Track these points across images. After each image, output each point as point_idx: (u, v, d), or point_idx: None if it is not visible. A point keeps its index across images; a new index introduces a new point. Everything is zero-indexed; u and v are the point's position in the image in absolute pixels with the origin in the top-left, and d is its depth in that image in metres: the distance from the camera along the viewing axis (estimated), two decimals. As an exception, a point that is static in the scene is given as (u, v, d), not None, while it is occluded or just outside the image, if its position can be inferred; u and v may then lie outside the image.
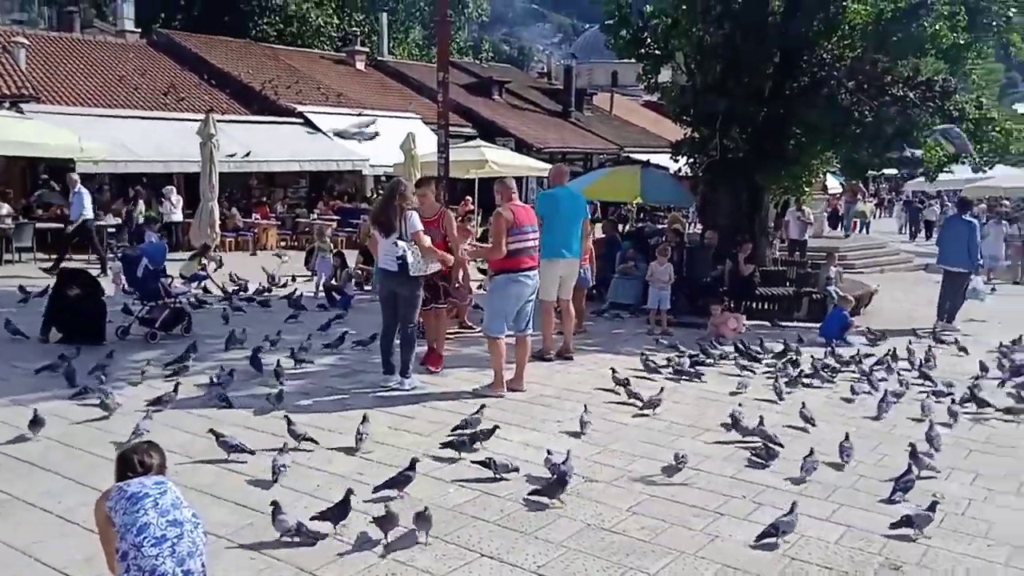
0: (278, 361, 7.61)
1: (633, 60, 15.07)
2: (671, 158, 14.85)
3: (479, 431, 5.79)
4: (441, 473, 5.30)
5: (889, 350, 9.36)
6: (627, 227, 19.99)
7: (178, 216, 18.36)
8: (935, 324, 11.62)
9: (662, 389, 7.26)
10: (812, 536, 4.54)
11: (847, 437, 5.89)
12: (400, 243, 7.01)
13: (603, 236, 13.92)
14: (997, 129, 12.20)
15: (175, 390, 6.57)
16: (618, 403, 7.12)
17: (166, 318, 9.01)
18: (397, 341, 7.38)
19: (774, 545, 4.39)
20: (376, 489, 4.82)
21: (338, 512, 4.35)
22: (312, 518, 4.31)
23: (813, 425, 6.54)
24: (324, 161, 22.32)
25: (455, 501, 4.86)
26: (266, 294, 12.09)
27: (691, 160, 13.49)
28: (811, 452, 5.60)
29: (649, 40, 13.87)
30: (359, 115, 25.22)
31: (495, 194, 7.69)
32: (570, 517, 4.71)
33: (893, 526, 4.59)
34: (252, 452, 5.36)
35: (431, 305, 7.95)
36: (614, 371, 7.60)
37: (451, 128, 15.10)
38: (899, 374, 8.44)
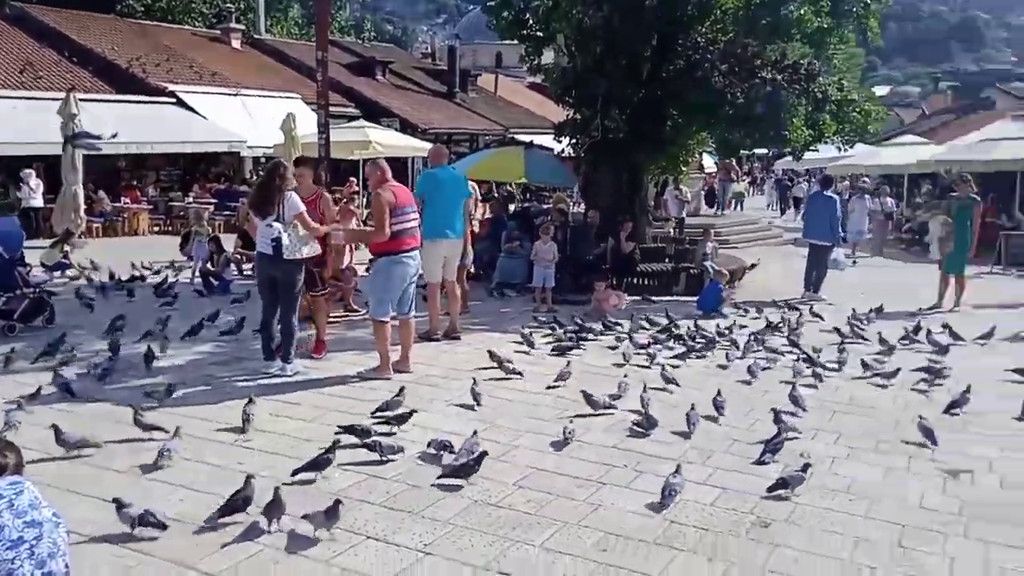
0: (148, 347, 7.33)
1: (516, 41, 15.14)
2: (554, 139, 15.04)
3: (394, 416, 5.78)
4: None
5: (764, 320, 9.82)
6: (514, 207, 20.13)
7: (38, 201, 17.31)
8: (802, 294, 12.27)
9: (569, 363, 7.49)
10: (690, 499, 4.72)
11: (719, 393, 6.38)
12: (275, 225, 6.82)
13: (490, 216, 13.97)
14: (857, 110, 12.94)
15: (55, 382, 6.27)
16: (501, 379, 7.19)
17: (25, 309, 8.48)
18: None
19: (663, 506, 4.59)
20: (295, 472, 4.79)
21: (243, 502, 4.25)
22: (221, 513, 4.22)
23: (677, 385, 7.00)
24: (199, 143, 21.43)
25: (340, 485, 4.80)
26: (138, 282, 11.56)
27: (573, 141, 13.70)
28: (692, 407, 6.00)
29: (530, 21, 13.95)
30: (235, 95, 24.32)
31: (368, 176, 7.54)
32: (457, 494, 4.73)
33: (770, 489, 4.82)
34: (99, 446, 5.17)
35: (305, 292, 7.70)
36: (491, 352, 7.61)
37: (333, 108, 14.81)
38: (766, 341, 8.82)
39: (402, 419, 5.76)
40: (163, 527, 4.07)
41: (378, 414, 5.91)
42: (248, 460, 5.14)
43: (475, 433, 5.36)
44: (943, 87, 55.49)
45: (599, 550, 4.11)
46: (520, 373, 7.23)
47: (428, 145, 23.15)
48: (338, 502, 4.18)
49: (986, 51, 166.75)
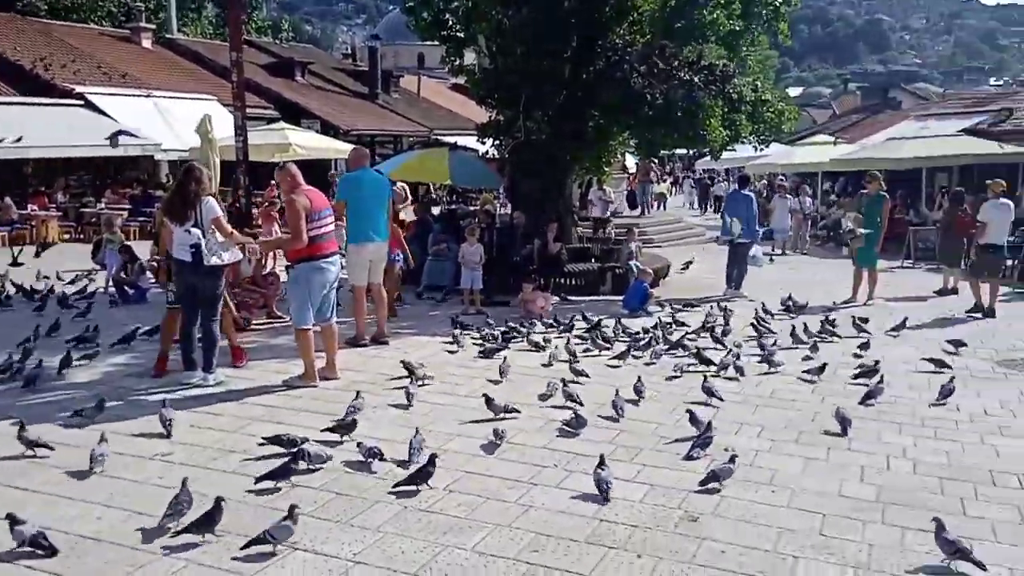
0: (67, 352, 7.19)
1: (437, 42, 15.07)
2: (478, 140, 15.04)
3: (340, 423, 5.69)
4: (250, 469, 5.07)
5: (688, 318, 10.00)
6: (438, 210, 20.05)
7: (-65, 209, 16.43)
8: (724, 291, 12.56)
9: (505, 358, 7.64)
10: (619, 497, 4.76)
11: (639, 379, 6.78)
12: (194, 231, 6.63)
13: (415, 219, 13.88)
14: (771, 110, 13.31)
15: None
16: (425, 385, 7.13)
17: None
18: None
19: (606, 500, 4.67)
20: (257, 480, 4.74)
21: (206, 521, 4.10)
22: (181, 531, 4.11)
23: (587, 377, 7.23)
24: (106, 146, 20.64)
25: (264, 498, 4.68)
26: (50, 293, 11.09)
27: (497, 142, 13.71)
28: (617, 392, 6.33)
29: (451, 22, 13.92)
30: (147, 96, 23.55)
31: (279, 183, 7.22)
32: (386, 501, 4.67)
33: (702, 483, 4.90)
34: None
35: None
36: (403, 362, 7.39)
37: (251, 110, 14.45)
38: (688, 339, 8.98)
39: (350, 428, 5.62)
40: (52, 553, 3.90)
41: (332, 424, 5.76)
42: (167, 474, 4.96)
43: (418, 431, 5.40)
44: (852, 88, 57.67)
45: (531, 551, 4.11)
46: (431, 377, 7.21)
47: (350, 147, 22.99)
48: (219, 500, 4.13)
49: (891, 53, 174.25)
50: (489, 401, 6.23)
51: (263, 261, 10.73)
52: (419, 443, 5.23)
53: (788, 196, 20.46)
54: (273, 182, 16.02)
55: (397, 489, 4.78)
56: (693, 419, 5.93)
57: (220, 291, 7.03)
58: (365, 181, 8.56)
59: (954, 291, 12.93)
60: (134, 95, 23.44)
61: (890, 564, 4.04)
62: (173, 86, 25.74)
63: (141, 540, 4.12)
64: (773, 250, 18.35)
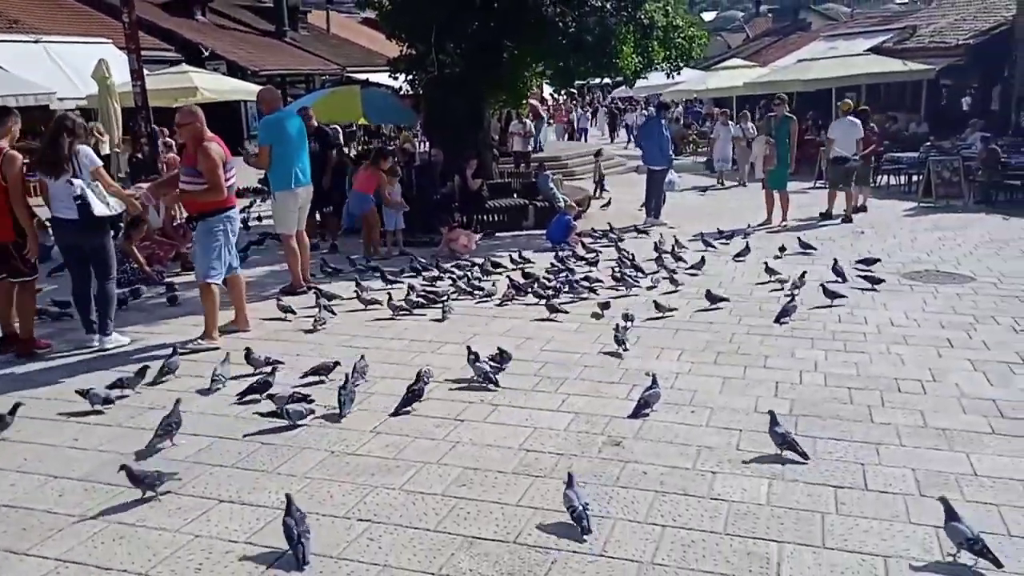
0: None
1: (342, -26, 14.50)
2: (390, 76, 14.64)
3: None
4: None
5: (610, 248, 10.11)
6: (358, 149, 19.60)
7: None
8: (644, 220, 12.71)
9: (447, 298, 7.73)
10: (544, 427, 4.85)
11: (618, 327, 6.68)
12: (76, 182, 6.25)
13: (334, 162, 13.52)
14: (682, 36, 13.30)
15: None
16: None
17: None
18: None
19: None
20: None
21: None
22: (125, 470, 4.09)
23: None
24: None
25: (187, 452, 4.60)
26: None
27: (410, 77, 13.39)
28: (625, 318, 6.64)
29: (356, -48, 13.37)
30: (36, 42, 22.13)
31: (181, 128, 6.60)
32: (313, 448, 4.64)
33: (632, 415, 5.00)
34: None
35: (3, 277, 6.57)
36: (278, 299, 7.62)
37: (149, 53, 13.74)
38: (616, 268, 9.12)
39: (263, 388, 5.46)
40: None
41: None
42: (83, 437, 4.83)
43: (362, 356, 5.73)
44: (764, 10, 58.08)
45: (459, 485, 4.16)
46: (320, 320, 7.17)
47: (260, 88, 22.16)
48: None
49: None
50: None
51: (172, 212, 10.40)
52: (363, 368, 5.50)
53: (730, 123, 19.44)
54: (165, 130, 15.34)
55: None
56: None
57: (109, 246, 6.67)
58: (287, 123, 8.26)
59: (863, 208, 13.37)
60: (22, 41, 21.98)
61: (802, 472, 4.23)
62: (64, 30, 24.22)
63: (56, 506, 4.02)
64: (721, 181, 18.55)
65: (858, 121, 12.64)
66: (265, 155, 8.11)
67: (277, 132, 8.15)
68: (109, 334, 6.69)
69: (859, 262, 9.01)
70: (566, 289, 8.26)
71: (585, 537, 3.62)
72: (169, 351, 6.11)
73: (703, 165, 21.82)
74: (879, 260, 9.14)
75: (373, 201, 10.55)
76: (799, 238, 10.33)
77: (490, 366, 5.72)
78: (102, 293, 6.65)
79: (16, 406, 5.05)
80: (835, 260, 8.75)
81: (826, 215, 12.69)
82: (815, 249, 10.01)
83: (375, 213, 10.62)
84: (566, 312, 7.40)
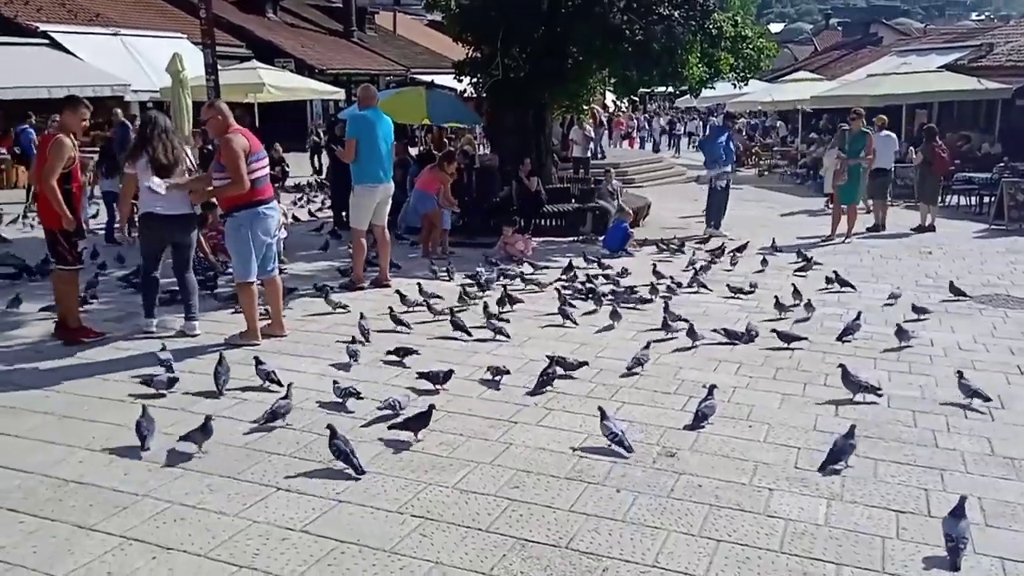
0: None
1: (412, -24, 14.67)
2: (455, 78, 14.76)
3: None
4: (234, 412, 5.09)
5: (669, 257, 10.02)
6: (417, 150, 19.80)
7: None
8: (705, 231, 12.57)
9: (493, 306, 7.57)
10: (598, 434, 4.81)
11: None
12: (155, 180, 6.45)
13: (395, 158, 13.70)
14: (751, 47, 13.12)
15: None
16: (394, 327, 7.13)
17: None
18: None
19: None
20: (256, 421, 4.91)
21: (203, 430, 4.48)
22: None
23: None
24: (76, 87, 20.09)
25: (247, 439, 4.69)
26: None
27: (474, 80, 13.47)
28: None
29: (426, -45, 13.52)
30: (115, 35, 22.87)
31: (205, 121, 6.57)
32: (369, 442, 4.69)
33: (690, 426, 4.95)
34: None
35: (56, 267, 6.68)
36: (391, 309, 7.37)
37: (222, 49, 14.07)
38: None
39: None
40: None
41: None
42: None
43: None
44: (833, 23, 57.08)
45: (512, 487, 4.16)
46: (408, 325, 7.10)
47: (326, 87, 22.55)
48: (208, 417, 4.54)
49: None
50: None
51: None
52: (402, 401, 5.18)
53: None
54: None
55: (389, 435, 4.78)
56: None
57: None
58: (375, 120, 8.37)
59: (931, 228, 13.03)
60: (101, 33, 22.75)
61: (862, 495, 4.13)
62: (142, 24, 25.00)
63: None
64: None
65: (893, 135, 13.68)
66: (352, 148, 8.19)
67: (364, 127, 8.25)
68: (195, 320, 6.85)
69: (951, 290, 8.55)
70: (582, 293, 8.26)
71: (628, 455, 4.41)
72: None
73: (809, 186, 20.32)
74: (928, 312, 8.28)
75: (436, 200, 10.68)
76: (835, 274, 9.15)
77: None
78: (188, 283, 6.83)
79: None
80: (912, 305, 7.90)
81: (874, 228, 12.92)
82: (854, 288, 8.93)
83: (439, 213, 10.74)
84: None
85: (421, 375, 5.64)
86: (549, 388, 5.54)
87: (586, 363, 5.96)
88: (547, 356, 5.84)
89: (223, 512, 3.87)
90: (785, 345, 6.63)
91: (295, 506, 3.95)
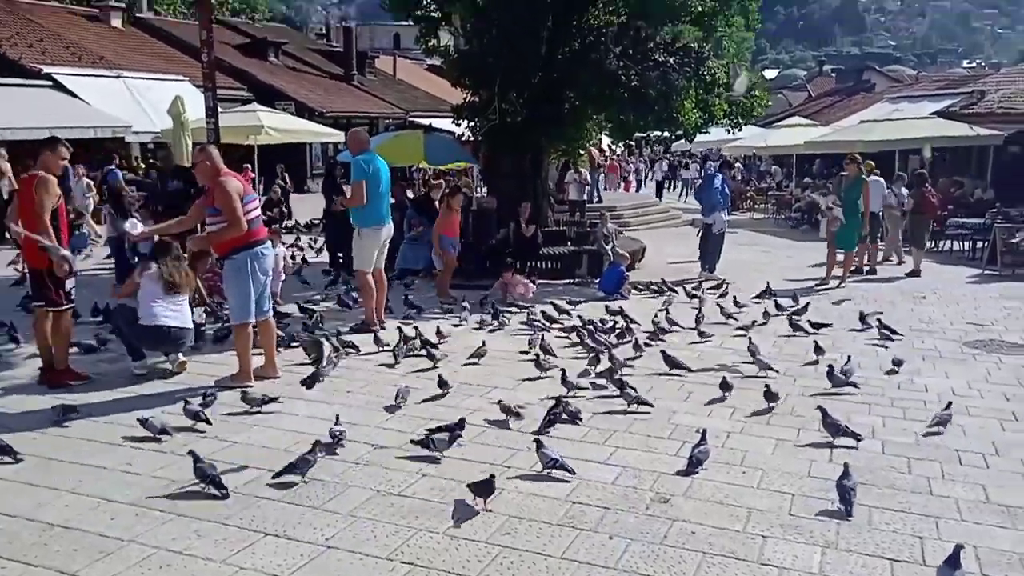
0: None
1: (411, 22, 14.91)
2: (453, 122, 14.93)
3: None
4: (214, 457, 5.05)
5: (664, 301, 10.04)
6: (412, 193, 19.92)
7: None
8: (699, 274, 12.61)
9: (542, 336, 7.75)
10: (591, 479, 4.79)
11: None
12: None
13: (392, 201, 13.79)
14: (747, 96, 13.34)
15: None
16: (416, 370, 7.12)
17: None
18: None
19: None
20: (275, 475, 4.66)
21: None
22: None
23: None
24: (78, 128, 20.31)
25: (234, 483, 4.65)
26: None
27: (472, 124, 13.62)
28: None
29: (425, 1, 13.76)
30: (118, 77, 23.14)
31: (195, 169, 6.55)
32: (359, 486, 4.66)
33: (684, 472, 4.92)
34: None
35: (44, 309, 6.53)
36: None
37: (224, 92, 14.23)
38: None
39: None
40: None
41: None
42: (137, 462, 4.92)
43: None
44: (827, 70, 57.93)
45: (503, 534, 4.12)
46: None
47: (326, 130, 22.75)
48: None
49: (866, 35, 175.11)
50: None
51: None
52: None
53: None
54: (247, 166, 15.88)
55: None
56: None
57: None
58: (378, 164, 8.47)
59: (916, 273, 13.12)
60: (104, 76, 23.03)
61: (857, 543, 4.09)
62: (144, 67, 25.33)
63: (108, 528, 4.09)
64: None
65: (882, 180, 13.83)
66: (361, 190, 8.18)
67: (370, 172, 8.30)
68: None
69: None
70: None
71: (570, 478, 4.68)
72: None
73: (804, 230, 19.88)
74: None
75: (455, 242, 10.75)
76: (879, 321, 8.94)
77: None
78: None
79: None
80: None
81: (870, 271, 13.33)
82: (902, 336, 8.75)
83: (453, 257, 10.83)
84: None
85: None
86: (551, 430, 5.54)
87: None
88: (552, 398, 5.94)
89: (210, 558, 3.83)
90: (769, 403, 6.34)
91: (283, 552, 3.90)
